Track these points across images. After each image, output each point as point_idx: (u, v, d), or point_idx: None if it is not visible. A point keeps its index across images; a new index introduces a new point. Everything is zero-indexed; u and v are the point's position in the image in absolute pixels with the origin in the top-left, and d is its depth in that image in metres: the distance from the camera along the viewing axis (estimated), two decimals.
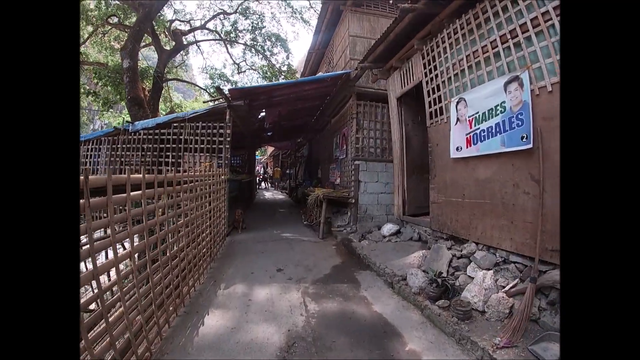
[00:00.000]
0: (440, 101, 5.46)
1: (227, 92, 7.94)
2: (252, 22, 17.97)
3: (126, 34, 14.05)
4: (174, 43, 15.92)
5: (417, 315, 3.91)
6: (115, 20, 15.20)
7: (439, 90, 5.49)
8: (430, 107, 5.73)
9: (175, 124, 8.23)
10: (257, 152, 33.52)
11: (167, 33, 16.49)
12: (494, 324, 3.41)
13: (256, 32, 18.28)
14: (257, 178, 26.73)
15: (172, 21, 16.97)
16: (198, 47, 20.75)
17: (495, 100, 4.19)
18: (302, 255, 6.36)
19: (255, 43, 18.61)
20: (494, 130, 4.22)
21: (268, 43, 18.48)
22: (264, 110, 10.50)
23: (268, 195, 22.28)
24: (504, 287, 3.89)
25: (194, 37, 18.95)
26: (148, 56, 20.78)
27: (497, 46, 4.20)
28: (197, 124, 8.03)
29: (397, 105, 7.01)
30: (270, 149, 32.76)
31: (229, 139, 7.75)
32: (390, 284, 4.78)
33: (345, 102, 9.38)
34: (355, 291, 4.61)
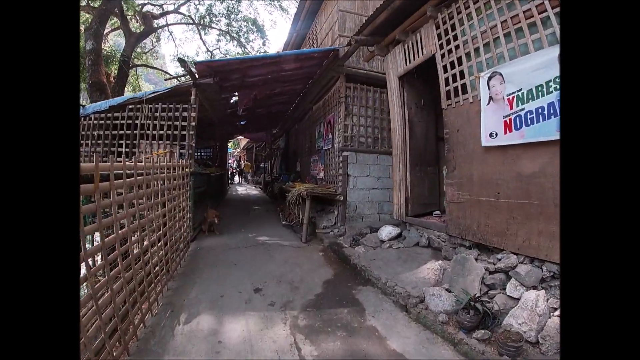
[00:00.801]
0: (462, 77, 4.41)
1: (193, 68, 6.64)
2: (228, 6, 17.15)
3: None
4: (143, 27, 14.63)
5: (450, 353, 2.91)
6: (84, 3, 13.58)
7: (459, 64, 4.47)
8: (447, 85, 4.66)
9: (131, 106, 6.85)
10: (229, 144, 32.12)
11: (137, 16, 15.18)
12: None
13: (231, 17, 17.54)
14: (230, 172, 25.25)
15: (143, 5, 15.53)
16: (170, 33, 19.33)
17: (546, 75, 3.24)
18: (284, 266, 5.18)
19: (230, 29, 17.77)
20: (545, 112, 3.25)
21: (244, 28, 17.61)
22: (236, 93, 9.19)
23: (241, 190, 20.88)
24: (555, 309, 2.97)
25: (166, 21, 17.49)
26: (118, 43, 19.16)
27: (546, 10, 3.27)
28: (157, 106, 6.68)
29: (399, 86, 5.91)
30: (244, 141, 31.27)
31: (193, 123, 6.44)
32: (403, 306, 3.73)
33: (332, 85, 8.23)
34: (360, 319, 3.51)
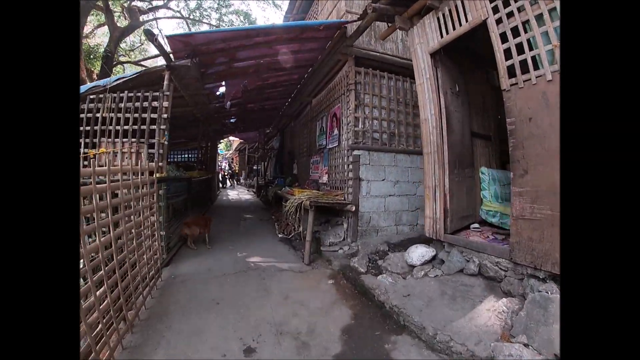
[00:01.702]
0: (530, 48, 3.13)
1: (167, 47, 5.29)
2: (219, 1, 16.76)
3: None
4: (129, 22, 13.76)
5: None
6: None
7: (525, 30, 3.21)
8: (507, 58, 3.39)
9: (92, 96, 5.46)
10: (221, 146, 30.75)
11: (124, 13, 14.29)
12: None
13: (222, 12, 17.11)
14: (221, 174, 23.78)
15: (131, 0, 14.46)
16: (159, 30, 18.13)
17: None
18: (285, 305, 3.84)
19: (221, 23, 17.34)
20: None
21: (236, 22, 16.74)
22: (223, 83, 7.83)
23: (233, 195, 19.42)
24: None
25: (154, 15, 16.45)
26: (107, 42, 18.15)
27: None
28: (122, 95, 5.29)
29: (431, 65, 4.59)
30: (236, 142, 29.88)
31: (165, 115, 5.06)
32: None
33: (337, 71, 6.93)
34: None
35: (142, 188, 3.79)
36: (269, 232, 7.82)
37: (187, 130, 11.27)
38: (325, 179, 7.30)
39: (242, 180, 28.51)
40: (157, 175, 4.71)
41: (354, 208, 5.65)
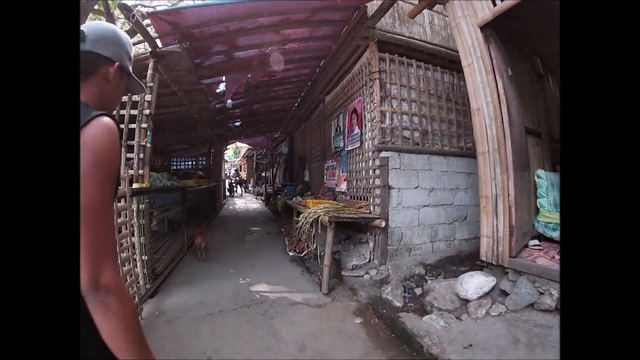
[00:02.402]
0: None
1: (151, 29, 4.37)
2: None
3: None
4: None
5: None
6: None
7: None
8: None
9: None
10: (229, 152, 30.00)
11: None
12: None
13: None
14: (228, 182, 22.90)
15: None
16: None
17: None
18: None
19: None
20: None
21: None
22: (224, 79, 6.88)
23: (240, 203, 18.48)
24: None
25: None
26: None
27: None
28: None
29: (483, 41, 3.58)
30: (244, 149, 29.03)
31: (147, 111, 4.09)
32: None
33: (356, 60, 5.96)
34: None
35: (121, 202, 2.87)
36: (278, 250, 6.79)
37: (189, 135, 10.39)
38: (343, 187, 6.27)
39: (250, 188, 27.80)
40: (136, 185, 3.77)
41: (383, 224, 4.62)
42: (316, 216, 4.57)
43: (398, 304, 3.91)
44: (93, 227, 0.84)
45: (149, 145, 3.98)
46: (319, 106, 8.89)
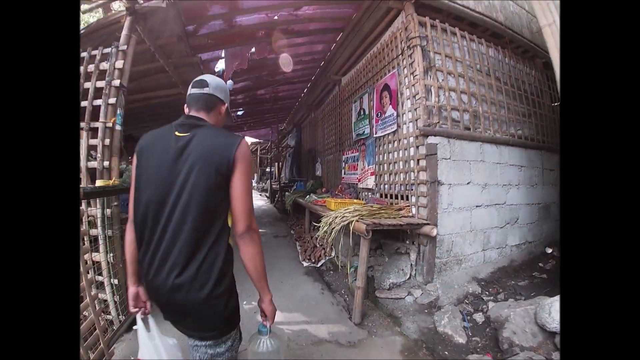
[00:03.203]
0: None
1: None
2: None
3: None
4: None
5: None
6: None
7: None
8: None
9: None
10: None
11: None
12: None
13: None
14: None
15: None
16: None
17: None
18: None
19: None
20: None
21: None
22: (222, 54, 5.82)
23: None
24: None
25: None
26: None
27: None
28: None
29: None
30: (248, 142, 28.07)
31: (117, 82, 3.00)
32: None
33: (384, 30, 4.97)
34: None
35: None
36: (289, 258, 5.72)
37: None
38: (370, 182, 5.20)
39: (254, 184, 26.96)
40: (100, 183, 2.75)
41: (435, 231, 3.56)
42: (345, 222, 3.50)
43: (460, 340, 2.92)
44: (249, 198, 1.44)
45: (118, 127, 2.93)
46: (332, 90, 7.84)
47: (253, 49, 5.66)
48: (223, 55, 5.76)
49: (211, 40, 5.06)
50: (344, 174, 6.44)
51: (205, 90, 1.53)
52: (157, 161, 1.40)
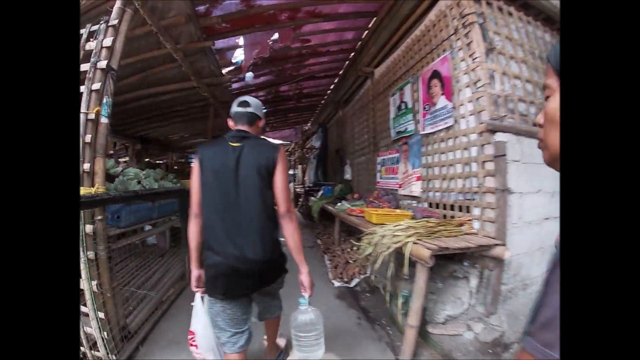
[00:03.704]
0: None
1: None
2: None
3: None
4: None
5: None
6: None
7: None
8: None
9: None
10: None
11: None
12: None
13: None
14: None
15: None
16: None
17: None
18: None
19: None
20: None
21: None
22: (240, 41, 5.22)
23: None
24: None
25: None
26: None
27: None
28: None
29: None
30: None
31: (104, 63, 2.42)
32: None
33: (427, 9, 4.32)
34: None
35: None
36: (317, 274, 4.99)
37: (205, 125, 8.77)
38: (415, 189, 4.45)
39: None
40: (82, 191, 2.18)
41: (507, 254, 2.82)
42: (398, 244, 2.78)
43: None
44: (287, 188, 1.95)
45: (104, 119, 2.33)
46: (363, 85, 7.16)
47: (276, 35, 5.04)
48: (241, 43, 5.16)
49: (226, 23, 4.45)
50: (380, 178, 5.72)
51: (248, 109, 2.04)
52: (221, 165, 1.89)
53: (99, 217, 2.28)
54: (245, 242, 1.84)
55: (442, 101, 3.82)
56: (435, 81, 4.00)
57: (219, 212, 1.86)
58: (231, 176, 1.85)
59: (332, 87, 9.25)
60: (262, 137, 2.14)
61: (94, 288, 2.30)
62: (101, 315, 2.34)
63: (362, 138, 7.17)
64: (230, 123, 2.07)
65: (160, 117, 7.67)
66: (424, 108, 4.19)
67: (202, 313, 2.05)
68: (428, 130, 4.10)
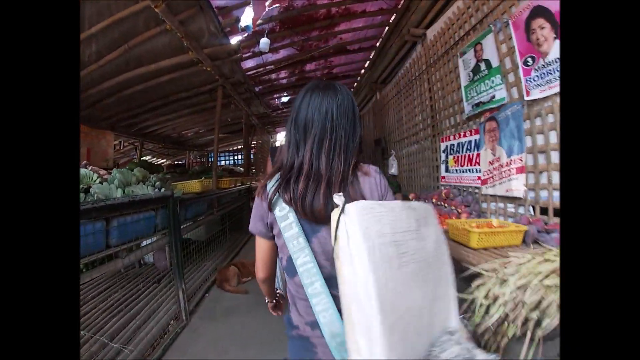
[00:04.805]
0: None
1: None
2: None
3: None
4: None
5: None
6: None
7: None
8: None
9: None
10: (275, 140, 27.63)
11: None
12: None
13: None
14: None
15: None
16: None
17: None
18: None
19: None
20: None
21: None
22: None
23: None
24: None
25: None
26: None
27: None
28: None
29: None
30: None
31: None
32: None
33: None
34: None
35: None
36: None
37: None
38: (516, 186, 3.00)
39: None
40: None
41: None
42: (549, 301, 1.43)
43: None
44: None
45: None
46: (410, 53, 5.82)
47: None
48: None
49: None
50: (446, 171, 4.35)
51: None
52: None
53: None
54: None
55: (556, 48, 2.45)
56: (540, 21, 2.61)
57: None
58: None
59: (367, 64, 7.94)
60: None
61: None
62: None
63: (413, 121, 5.77)
64: None
65: (164, 108, 6.58)
66: (525, 63, 2.80)
67: None
68: (535, 95, 2.69)
